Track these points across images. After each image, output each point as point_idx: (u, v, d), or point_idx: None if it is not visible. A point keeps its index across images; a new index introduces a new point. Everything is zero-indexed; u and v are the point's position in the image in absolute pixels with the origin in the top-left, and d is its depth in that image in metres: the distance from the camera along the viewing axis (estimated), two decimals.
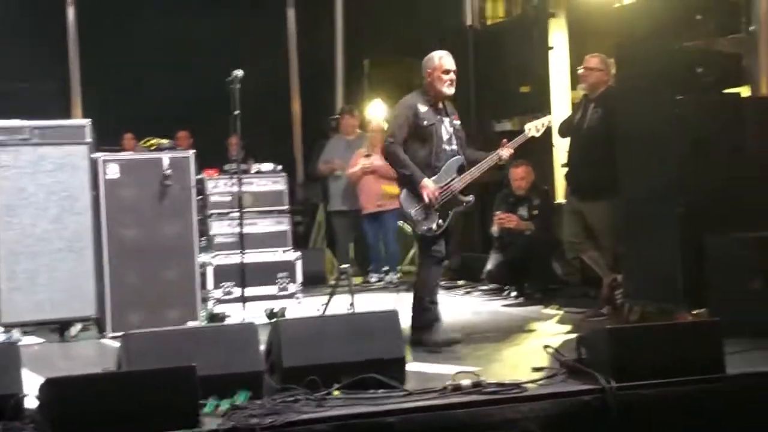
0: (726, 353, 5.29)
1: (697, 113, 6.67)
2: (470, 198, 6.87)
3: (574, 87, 9.57)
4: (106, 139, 8.76)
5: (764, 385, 5.26)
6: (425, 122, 6.81)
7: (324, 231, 12.19)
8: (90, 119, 7.82)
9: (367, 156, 10.61)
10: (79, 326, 7.58)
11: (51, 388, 4.42)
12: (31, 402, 4.64)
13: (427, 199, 6.69)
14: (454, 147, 6.88)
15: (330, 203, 11.27)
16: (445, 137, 6.86)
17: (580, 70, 8.12)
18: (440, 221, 6.74)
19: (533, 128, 7.11)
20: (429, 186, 6.70)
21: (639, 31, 7.55)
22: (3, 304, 7.34)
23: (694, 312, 6.44)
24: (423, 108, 6.85)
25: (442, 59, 6.92)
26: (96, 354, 7.17)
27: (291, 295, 8.27)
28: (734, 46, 7.48)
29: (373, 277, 10.72)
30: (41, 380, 4.58)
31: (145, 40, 12.33)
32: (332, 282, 8.88)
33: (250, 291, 7.80)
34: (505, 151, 6.95)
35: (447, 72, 6.89)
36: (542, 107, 9.80)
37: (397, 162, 6.81)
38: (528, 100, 10.24)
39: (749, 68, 7.20)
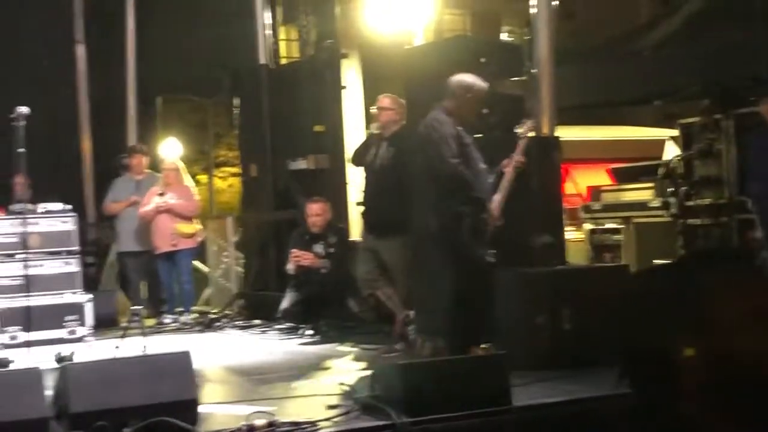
0: (512, 385, 5.47)
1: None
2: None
3: (368, 126, 9.74)
4: None
5: (549, 416, 5.46)
6: (466, 141, 6.73)
7: (116, 272, 11.91)
8: None
9: (161, 195, 10.45)
10: None
11: None
12: None
13: (493, 221, 6.65)
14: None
15: (121, 243, 11.02)
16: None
17: (373, 110, 8.29)
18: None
19: (524, 129, 7.12)
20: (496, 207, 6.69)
21: (428, 73, 7.76)
22: None
23: (483, 346, 6.63)
24: (458, 128, 6.71)
25: (480, 88, 6.81)
26: None
27: (80, 339, 8.02)
28: (518, 88, 7.79)
29: (168, 318, 10.54)
30: None
31: None
32: (124, 324, 8.69)
33: (36, 335, 7.54)
34: (518, 157, 6.96)
35: (480, 101, 6.80)
36: (336, 146, 9.94)
37: (467, 184, 6.61)
38: (322, 139, 10.35)
39: (532, 109, 7.51)
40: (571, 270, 7.58)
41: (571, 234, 9.77)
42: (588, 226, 10.29)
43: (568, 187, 10.91)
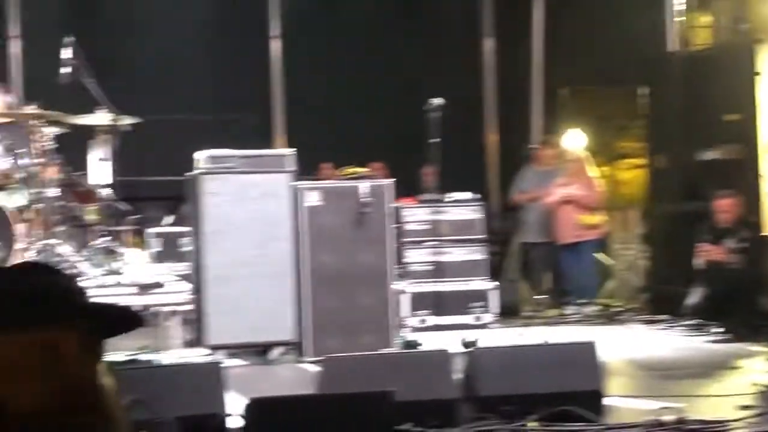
0: None
1: None
2: None
3: None
4: (304, 169, 8.98)
5: None
6: None
7: (518, 261, 12.10)
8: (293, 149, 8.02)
9: (565, 186, 10.48)
10: (280, 350, 7.76)
11: (256, 409, 4.52)
12: (234, 422, 4.76)
13: None
14: None
15: (525, 234, 11.17)
16: None
17: None
18: None
19: None
20: None
21: None
22: (209, 327, 7.59)
23: None
24: None
25: None
26: (295, 377, 7.32)
27: (485, 325, 8.23)
28: None
29: (570, 309, 10.54)
30: (244, 401, 4.70)
31: (343, 74, 12.63)
32: (527, 313, 8.81)
33: (443, 320, 7.80)
34: None
35: None
36: (749, 136, 9.45)
37: None
38: (734, 128, 9.89)
39: None
40: None
41: None
42: None
43: None
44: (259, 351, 7.83)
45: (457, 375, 5.31)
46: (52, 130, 7.57)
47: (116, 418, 1.76)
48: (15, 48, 12.19)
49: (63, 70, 7.22)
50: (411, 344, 7.99)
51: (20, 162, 7.23)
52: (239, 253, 7.62)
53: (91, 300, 1.72)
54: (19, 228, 6.97)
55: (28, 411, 1.68)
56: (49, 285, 1.68)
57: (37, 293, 1.68)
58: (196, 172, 7.71)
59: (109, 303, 1.73)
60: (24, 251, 6.92)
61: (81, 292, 1.72)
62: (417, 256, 8.32)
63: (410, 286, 8.20)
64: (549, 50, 13.15)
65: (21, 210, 7.24)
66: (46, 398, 1.68)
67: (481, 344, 7.91)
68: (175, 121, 11.69)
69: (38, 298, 1.66)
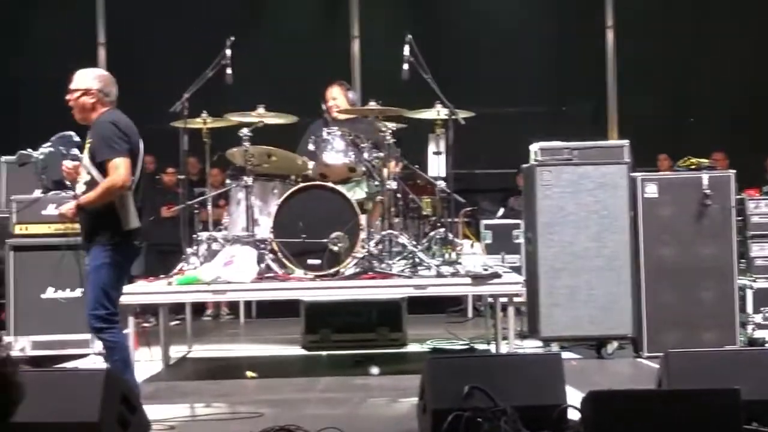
0: None
1: None
2: None
3: None
4: (639, 160, 8.77)
5: None
6: None
7: None
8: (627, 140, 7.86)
9: None
10: (615, 344, 7.62)
11: (594, 402, 4.45)
12: (571, 414, 4.72)
13: None
14: None
15: None
16: None
17: None
18: None
19: None
20: None
21: None
22: (542, 319, 7.58)
23: None
24: None
25: None
26: (632, 372, 7.18)
27: None
28: None
29: None
30: (579, 394, 4.64)
31: (678, 65, 12.27)
32: None
33: None
34: None
35: None
36: None
37: None
38: None
39: None
40: None
41: None
42: None
43: None
44: (591, 345, 7.73)
45: None
46: (392, 125, 7.82)
47: None
48: (355, 48, 12.79)
49: (404, 67, 7.43)
50: (756, 342, 7.63)
51: (363, 156, 7.52)
52: (574, 246, 7.56)
53: None
54: (362, 218, 7.25)
55: None
56: None
57: None
58: (531, 164, 7.73)
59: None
60: (366, 241, 7.19)
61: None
62: (762, 251, 7.90)
63: (755, 282, 7.81)
64: None
65: (361, 202, 7.55)
66: None
67: None
68: (508, 114, 11.80)
69: None
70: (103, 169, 5.71)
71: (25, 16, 12.65)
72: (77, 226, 5.92)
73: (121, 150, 5.69)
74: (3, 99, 12.05)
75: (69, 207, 5.84)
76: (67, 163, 6.06)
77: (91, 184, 5.75)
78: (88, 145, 5.84)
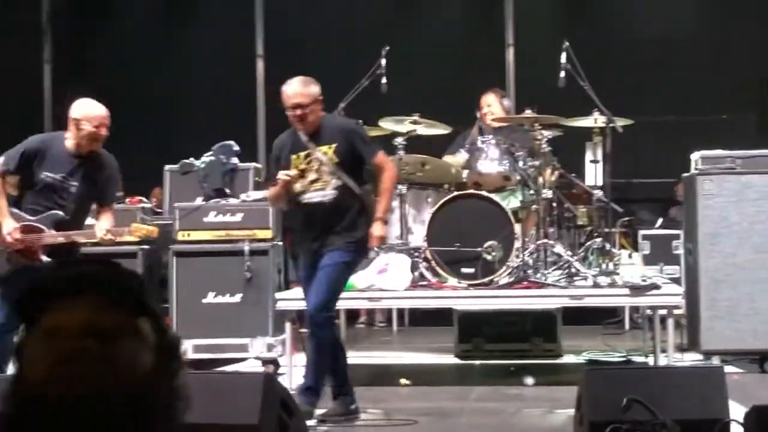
0: None
1: None
2: None
3: None
4: None
5: None
6: None
7: None
8: None
9: None
10: None
11: (759, 416, 4.30)
12: (734, 429, 4.57)
13: None
14: None
15: None
16: None
17: None
18: None
19: None
20: None
21: None
22: (703, 332, 7.37)
23: None
24: None
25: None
26: None
27: None
28: None
29: None
30: (742, 408, 4.50)
31: None
32: None
33: None
34: None
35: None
36: None
37: None
38: None
39: None
40: None
41: None
42: None
43: None
44: (753, 359, 7.48)
45: None
46: (548, 133, 7.74)
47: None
48: (509, 56, 12.73)
49: (560, 75, 7.36)
50: None
51: (518, 165, 7.47)
52: (737, 257, 7.34)
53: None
54: (516, 228, 7.21)
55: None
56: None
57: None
58: (692, 173, 7.54)
59: None
60: (521, 250, 7.14)
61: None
62: None
63: None
64: None
65: (516, 211, 7.50)
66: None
67: None
68: (666, 123, 11.55)
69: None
70: (359, 169, 5.89)
71: (184, 27, 13.05)
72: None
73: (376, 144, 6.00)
74: (167, 109, 12.44)
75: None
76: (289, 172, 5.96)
77: (343, 190, 5.87)
78: (329, 150, 5.92)
